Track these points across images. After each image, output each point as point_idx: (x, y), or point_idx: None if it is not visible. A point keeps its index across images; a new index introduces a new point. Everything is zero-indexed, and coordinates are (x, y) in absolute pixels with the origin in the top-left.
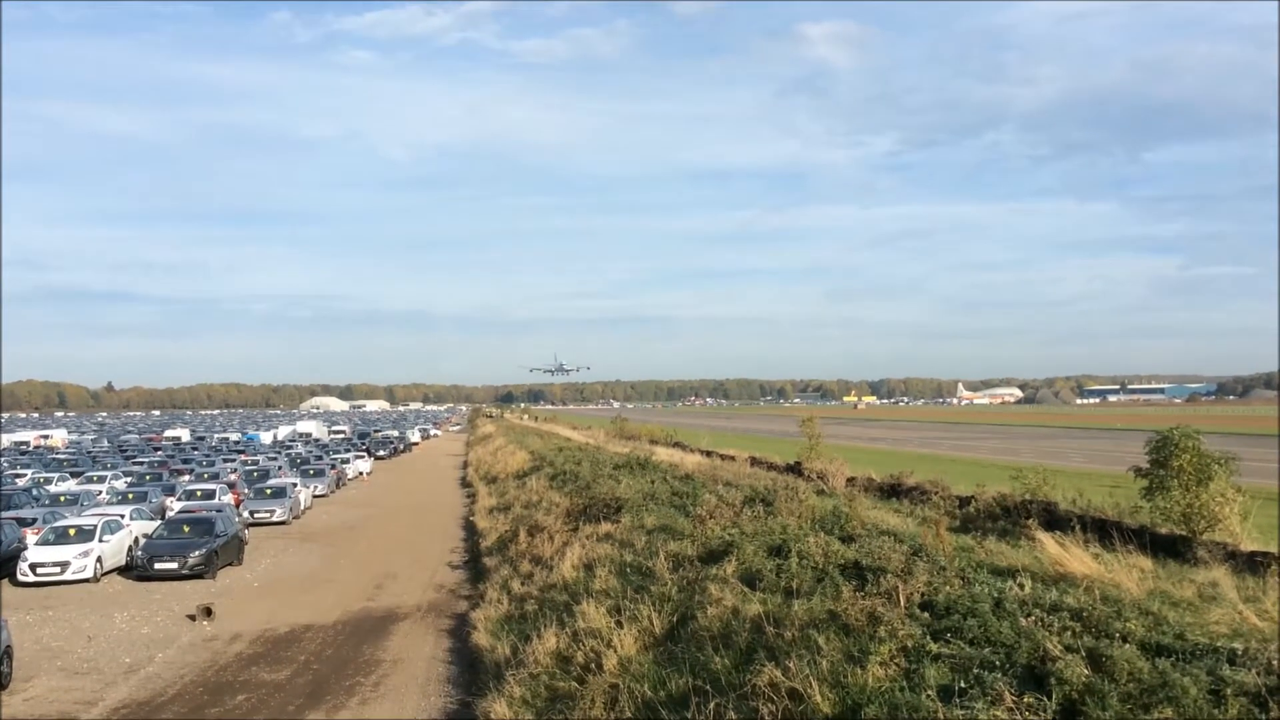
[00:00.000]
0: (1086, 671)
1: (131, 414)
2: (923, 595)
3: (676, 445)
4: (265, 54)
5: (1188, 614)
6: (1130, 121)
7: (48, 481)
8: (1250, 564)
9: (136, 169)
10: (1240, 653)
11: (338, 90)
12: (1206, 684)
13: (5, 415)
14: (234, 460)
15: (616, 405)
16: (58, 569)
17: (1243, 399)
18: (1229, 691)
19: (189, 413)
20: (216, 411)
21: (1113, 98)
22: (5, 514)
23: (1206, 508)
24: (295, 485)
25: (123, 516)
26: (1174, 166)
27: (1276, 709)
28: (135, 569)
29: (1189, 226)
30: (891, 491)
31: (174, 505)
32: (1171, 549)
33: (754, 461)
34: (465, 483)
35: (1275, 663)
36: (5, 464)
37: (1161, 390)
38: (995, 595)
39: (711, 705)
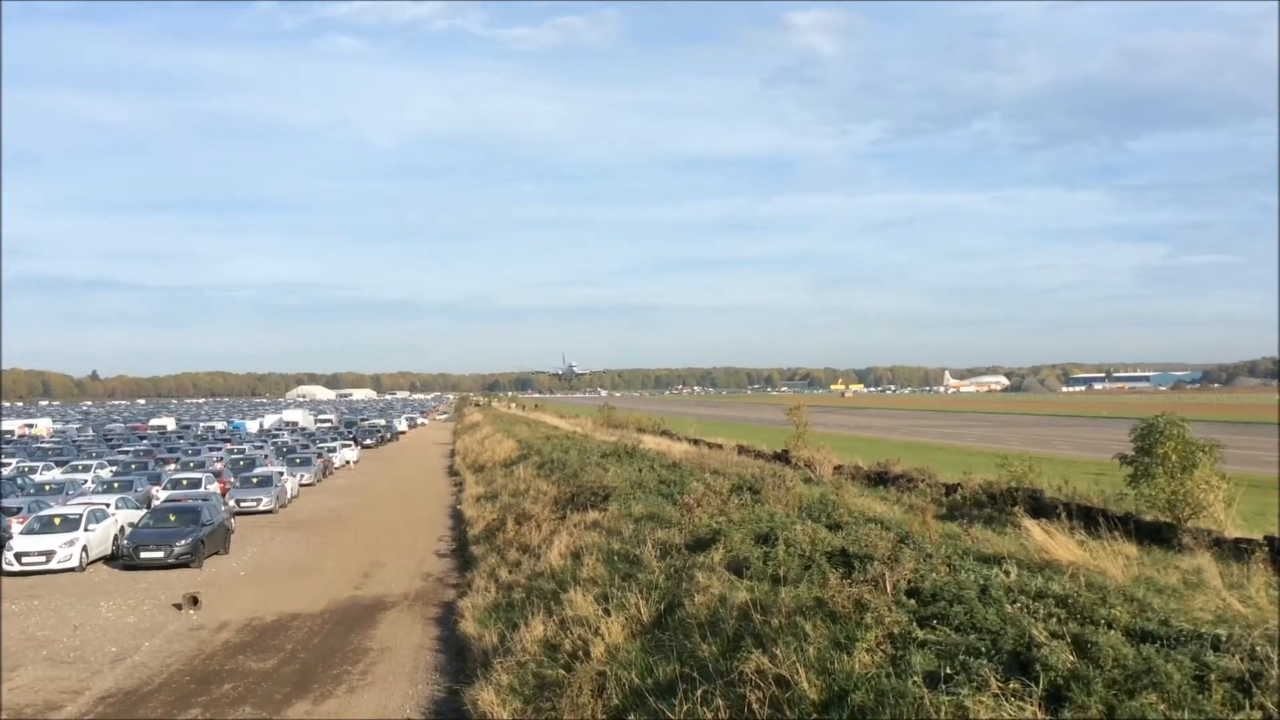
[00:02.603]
0: (1072, 658)
1: (117, 403)
2: (909, 582)
3: (664, 434)
4: (251, 42)
5: (1172, 600)
6: (1117, 110)
7: (33, 470)
8: (1235, 551)
9: (122, 158)
10: (1224, 639)
11: (324, 78)
12: (1191, 670)
13: None
14: (220, 449)
15: (604, 394)
16: (43, 558)
17: (1228, 387)
18: (1213, 677)
19: (174, 401)
20: (202, 400)
21: (1099, 87)
22: None
23: (1191, 495)
24: (282, 474)
25: (108, 505)
26: (1160, 155)
27: (1260, 694)
28: (121, 558)
29: (1175, 215)
30: (878, 479)
31: (160, 494)
32: (1156, 536)
33: (741, 450)
34: (452, 471)
35: (1259, 649)
36: None
37: (1147, 378)
38: (981, 582)
39: (699, 692)
